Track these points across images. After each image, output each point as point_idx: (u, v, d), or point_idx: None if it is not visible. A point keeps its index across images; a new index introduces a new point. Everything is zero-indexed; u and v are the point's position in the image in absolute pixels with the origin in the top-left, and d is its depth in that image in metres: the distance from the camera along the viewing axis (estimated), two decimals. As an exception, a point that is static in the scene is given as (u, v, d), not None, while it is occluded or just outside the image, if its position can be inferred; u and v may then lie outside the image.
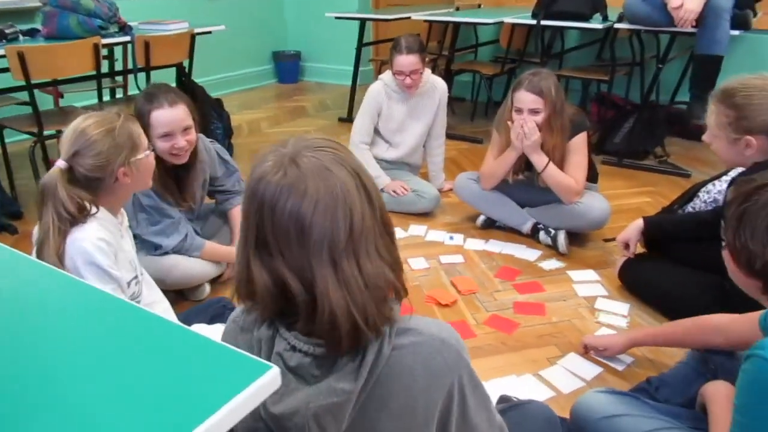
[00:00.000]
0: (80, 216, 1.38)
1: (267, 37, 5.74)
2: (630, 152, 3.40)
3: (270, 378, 0.58)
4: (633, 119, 3.47)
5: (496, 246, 2.50)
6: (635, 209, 2.80)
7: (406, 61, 2.65)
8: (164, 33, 3.12)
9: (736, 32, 2.85)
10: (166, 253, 1.99)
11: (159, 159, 1.82)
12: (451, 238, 2.58)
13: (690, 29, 2.89)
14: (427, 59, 2.79)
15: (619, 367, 1.73)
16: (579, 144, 2.34)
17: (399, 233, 2.64)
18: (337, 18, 4.26)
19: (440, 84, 2.90)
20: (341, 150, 0.80)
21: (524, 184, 2.65)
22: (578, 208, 2.38)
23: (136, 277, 1.54)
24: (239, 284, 0.80)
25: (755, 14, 3.22)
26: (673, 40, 3.14)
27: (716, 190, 2.05)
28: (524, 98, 2.26)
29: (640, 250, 2.10)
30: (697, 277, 1.85)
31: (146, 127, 1.82)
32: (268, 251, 0.76)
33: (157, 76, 3.01)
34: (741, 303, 1.25)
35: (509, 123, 2.33)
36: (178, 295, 2.08)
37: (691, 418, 1.32)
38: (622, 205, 2.82)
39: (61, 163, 1.39)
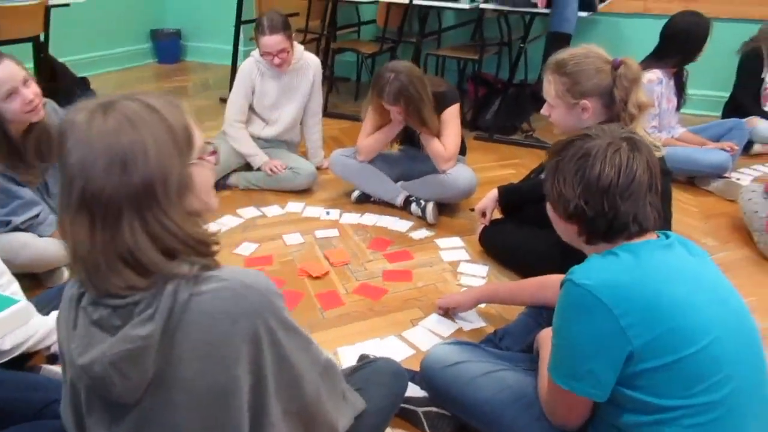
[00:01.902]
0: None
1: (143, 13, 5.43)
2: (500, 128, 3.60)
3: (13, 311, 0.60)
4: (502, 97, 3.68)
5: (371, 219, 2.58)
6: (502, 180, 2.93)
7: (271, 41, 2.64)
8: (12, 3, 2.89)
9: (583, 13, 3.08)
10: (17, 229, 1.88)
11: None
12: (328, 213, 2.63)
13: (544, 9, 3.10)
14: (294, 35, 2.78)
15: (475, 325, 1.86)
16: (451, 115, 2.48)
17: (276, 210, 2.65)
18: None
19: (314, 61, 2.92)
20: (164, 104, 0.82)
21: (399, 158, 2.76)
22: (447, 179, 2.51)
23: None
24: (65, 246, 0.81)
25: (604, -1, 3.51)
26: (533, 20, 3.35)
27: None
28: (386, 107, 2.42)
29: (498, 216, 2.26)
30: (545, 236, 2.00)
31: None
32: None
33: (8, 51, 2.79)
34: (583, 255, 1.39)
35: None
36: (34, 280, 1.97)
37: (528, 361, 1.46)
38: (491, 177, 2.98)
39: None
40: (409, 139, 2.69)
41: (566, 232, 1.22)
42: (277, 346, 0.84)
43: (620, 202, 1.09)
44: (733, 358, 1.03)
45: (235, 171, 2.86)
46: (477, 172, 2.62)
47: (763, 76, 3.40)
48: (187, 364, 0.79)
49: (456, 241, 2.40)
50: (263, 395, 0.85)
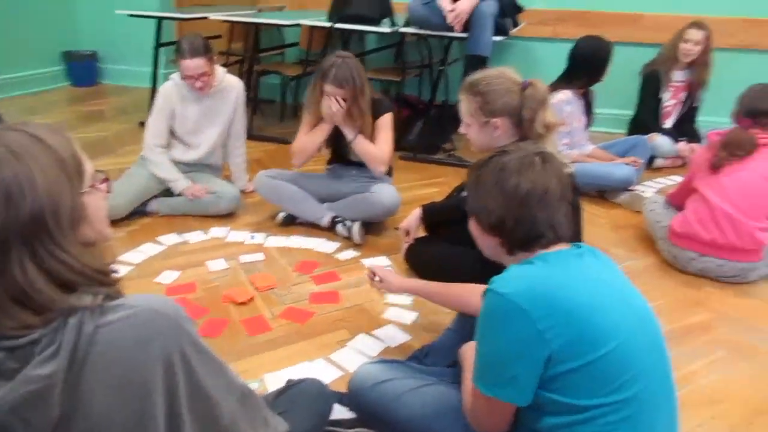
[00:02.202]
0: None
1: (54, 34, 5.21)
2: (423, 147, 3.70)
3: None
4: (424, 117, 3.78)
5: (297, 242, 2.57)
6: (426, 198, 2.99)
7: (192, 64, 2.60)
8: None
9: (498, 38, 3.24)
10: None
11: None
12: (253, 237, 2.59)
13: (462, 34, 3.23)
14: (216, 58, 2.76)
15: (401, 342, 1.89)
16: (385, 122, 2.56)
17: (199, 236, 2.59)
18: (130, 16, 4.02)
19: (236, 84, 2.89)
20: (50, 134, 0.80)
21: (324, 179, 2.77)
22: (371, 197, 2.54)
23: None
24: None
25: (516, 24, 3.70)
26: (451, 43, 3.48)
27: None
28: (329, 90, 2.43)
29: (423, 234, 2.31)
30: (468, 253, 2.08)
31: None
32: None
33: None
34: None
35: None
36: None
37: (452, 375, 1.49)
38: (415, 196, 3.05)
39: None
40: (337, 152, 2.71)
41: (488, 245, 1.27)
42: (191, 372, 0.82)
43: (536, 211, 1.16)
44: (641, 358, 1.10)
45: (155, 197, 2.78)
46: (402, 191, 2.67)
47: (661, 96, 3.67)
48: (99, 399, 0.76)
49: (382, 260, 2.43)
50: (178, 423, 0.82)
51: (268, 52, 4.56)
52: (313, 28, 3.92)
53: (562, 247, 1.19)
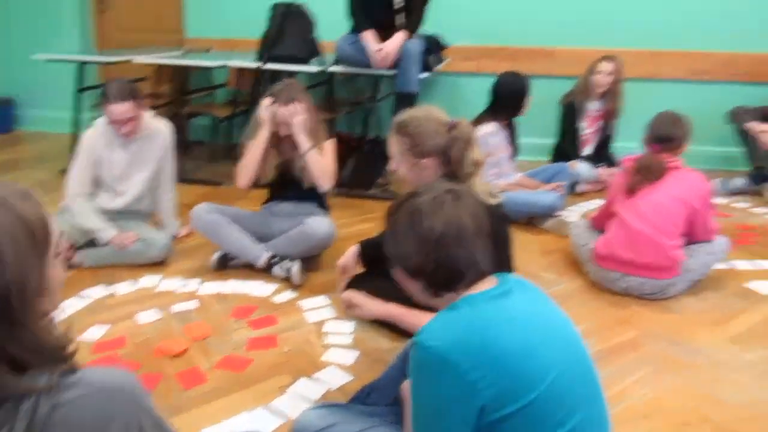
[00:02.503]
0: None
1: (-35, 80, 4.98)
2: (357, 184, 3.73)
3: None
4: (357, 153, 3.83)
5: (232, 286, 2.52)
6: (363, 235, 3.03)
7: (118, 109, 2.54)
8: None
9: (424, 74, 3.35)
10: None
11: None
12: (185, 284, 2.52)
13: (390, 71, 3.32)
14: (144, 102, 2.71)
15: (343, 383, 1.87)
16: (329, 146, 2.67)
17: (128, 287, 2.50)
18: (49, 61, 3.90)
19: (164, 127, 2.84)
20: (17, 197, 0.75)
21: (260, 218, 2.74)
22: (306, 229, 2.55)
23: None
24: None
25: (441, 60, 3.84)
26: (380, 80, 3.56)
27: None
28: (280, 108, 2.52)
29: (360, 270, 2.32)
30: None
31: None
32: None
33: None
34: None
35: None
36: None
37: (395, 414, 1.49)
38: (352, 233, 3.06)
39: None
40: (278, 181, 2.71)
41: (414, 290, 1.27)
42: None
43: (454, 251, 1.17)
44: (575, 389, 1.12)
45: (79, 249, 2.66)
46: (338, 228, 2.68)
47: (579, 125, 3.88)
48: None
49: (321, 300, 2.41)
50: None
51: (196, 94, 4.51)
52: (241, 68, 3.92)
53: (488, 284, 1.20)
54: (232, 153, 4.03)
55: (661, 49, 4.27)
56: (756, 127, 3.77)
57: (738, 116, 3.89)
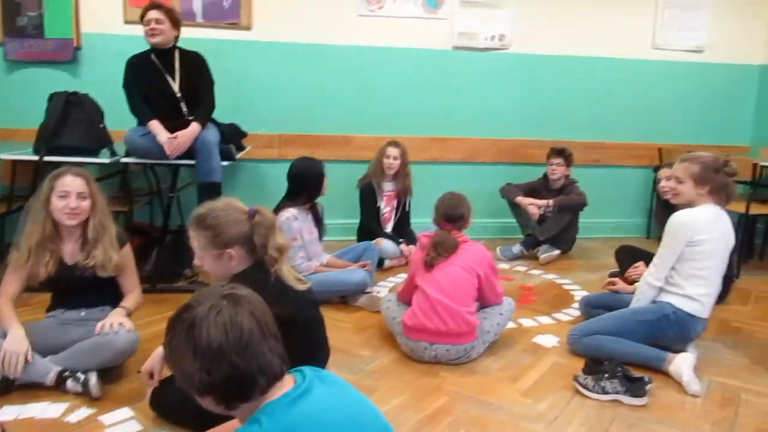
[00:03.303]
0: None
1: None
2: (162, 277, 3.50)
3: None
4: (160, 245, 3.62)
5: (12, 412, 2.14)
6: (170, 332, 2.86)
7: None
8: None
9: (225, 162, 3.35)
10: None
11: None
12: (-54, 418, 2.09)
13: (189, 162, 3.26)
14: None
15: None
16: (128, 254, 2.51)
17: None
18: None
19: None
20: None
21: (46, 328, 2.42)
22: (102, 340, 2.28)
23: None
24: None
25: (243, 148, 3.88)
26: (178, 169, 3.46)
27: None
28: (68, 182, 2.32)
29: (169, 374, 2.15)
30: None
31: None
32: None
33: None
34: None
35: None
36: None
37: None
38: (158, 332, 2.83)
39: None
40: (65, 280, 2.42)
41: (208, 406, 1.20)
42: None
43: (238, 360, 1.10)
44: None
45: None
46: (142, 328, 2.49)
47: (378, 204, 4.17)
48: None
49: (124, 412, 2.16)
50: None
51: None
52: (16, 161, 3.52)
53: (286, 386, 1.17)
54: (7, 252, 3.54)
55: (443, 136, 4.85)
56: (524, 200, 4.42)
57: (508, 192, 4.53)
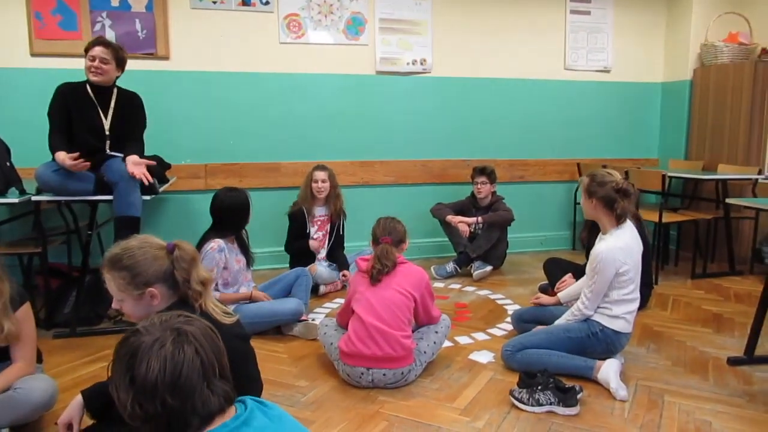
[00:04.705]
0: None
1: None
2: (82, 319, 3.31)
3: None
4: (79, 285, 3.42)
5: None
6: (94, 378, 2.68)
7: None
8: None
9: (147, 197, 3.23)
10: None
11: None
12: None
13: (106, 197, 3.12)
14: None
15: None
16: (25, 315, 2.20)
17: None
18: None
19: None
20: None
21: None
22: (16, 395, 2.11)
23: None
24: None
25: (166, 180, 3.76)
26: (97, 205, 3.30)
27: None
28: None
29: (89, 423, 2.01)
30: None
31: None
32: None
33: None
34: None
35: None
36: None
37: None
38: (79, 378, 2.67)
39: None
40: None
41: None
42: None
43: (171, 399, 1.07)
44: None
45: None
46: (61, 376, 2.34)
47: (309, 230, 4.13)
48: None
49: (41, 470, 2.01)
50: None
51: None
52: None
53: (225, 417, 1.15)
54: None
55: (371, 159, 4.88)
56: (454, 219, 4.51)
57: (439, 211, 4.61)
